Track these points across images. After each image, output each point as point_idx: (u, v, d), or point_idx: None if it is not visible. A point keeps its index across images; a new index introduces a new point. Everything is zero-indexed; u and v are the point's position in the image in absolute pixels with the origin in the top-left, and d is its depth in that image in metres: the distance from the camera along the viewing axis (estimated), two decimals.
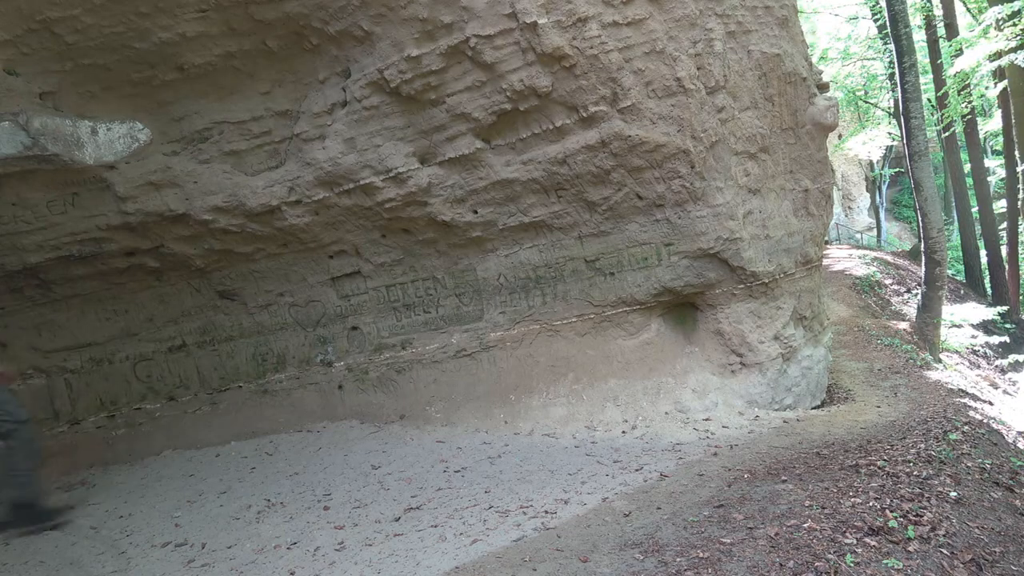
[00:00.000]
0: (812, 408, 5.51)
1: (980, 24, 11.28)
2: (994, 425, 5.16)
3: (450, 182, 4.98)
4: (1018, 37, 9.64)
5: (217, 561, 3.35)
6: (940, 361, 9.25)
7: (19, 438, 3.99)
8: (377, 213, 5.21)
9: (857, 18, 18.60)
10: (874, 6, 15.20)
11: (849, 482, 3.17)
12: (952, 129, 14.55)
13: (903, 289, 14.07)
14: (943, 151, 18.16)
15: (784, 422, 4.81)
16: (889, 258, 17.28)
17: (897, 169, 23.76)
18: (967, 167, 16.74)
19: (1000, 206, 16.61)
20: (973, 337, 11.19)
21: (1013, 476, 3.50)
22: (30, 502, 4.01)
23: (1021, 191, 12.65)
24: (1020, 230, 13.85)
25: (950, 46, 13.88)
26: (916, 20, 14.46)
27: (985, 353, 11.86)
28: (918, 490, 3.00)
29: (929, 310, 10.02)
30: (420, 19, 4.28)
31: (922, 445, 3.75)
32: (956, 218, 17.15)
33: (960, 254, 17.39)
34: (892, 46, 10.06)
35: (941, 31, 14.88)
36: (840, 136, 20.19)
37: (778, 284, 5.23)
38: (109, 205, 5.06)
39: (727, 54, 4.75)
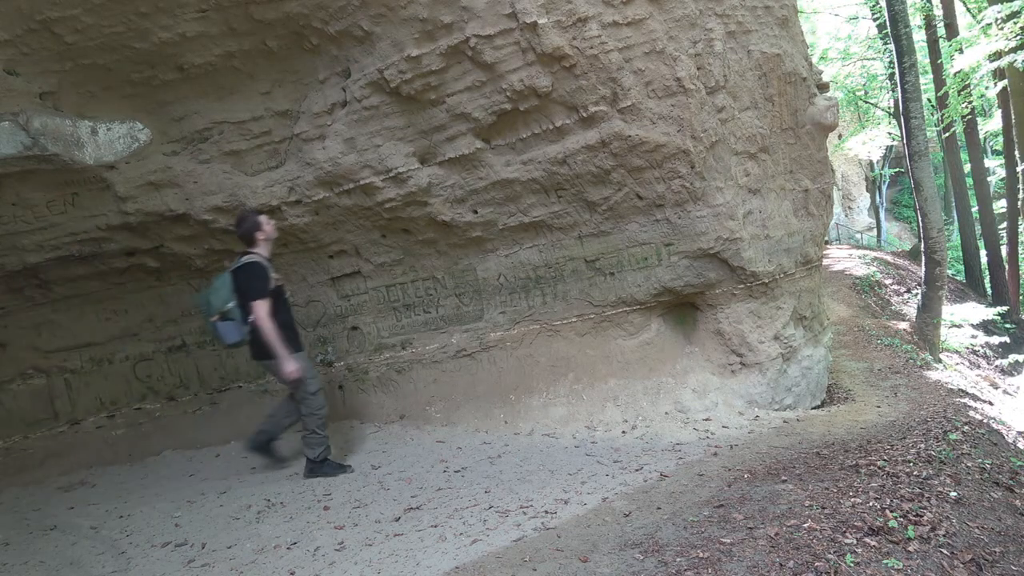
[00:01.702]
0: (812, 408, 5.51)
1: (979, 23, 11.28)
2: (994, 425, 5.17)
3: (450, 182, 4.98)
4: (1018, 37, 9.64)
5: (217, 561, 3.35)
6: (940, 361, 9.26)
7: (308, 406, 4.47)
8: (377, 213, 5.21)
9: (857, 18, 18.61)
10: (874, 6, 15.21)
11: (849, 482, 3.17)
12: (952, 129, 14.55)
13: (903, 289, 14.08)
14: (943, 151, 18.17)
15: (784, 422, 4.81)
16: (889, 258, 17.29)
17: (897, 169, 23.78)
18: (967, 167, 16.75)
19: (1000, 206, 16.63)
20: (973, 337, 11.20)
21: (1013, 476, 3.51)
22: (317, 459, 4.49)
23: (1021, 191, 12.66)
24: (1020, 230, 13.85)
25: (950, 46, 13.88)
26: (916, 20, 14.48)
27: (985, 353, 11.87)
28: (918, 490, 3.00)
29: (929, 310, 10.02)
30: (420, 19, 4.28)
31: (922, 445, 3.75)
32: (956, 218, 17.16)
33: (960, 254, 17.41)
34: (892, 46, 10.07)
35: (941, 31, 14.89)
36: (840, 136, 20.20)
37: (778, 284, 5.23)
38: (109, 205, 5.06)
39: (727, 54, 4.75)
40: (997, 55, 10.44)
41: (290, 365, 4.25)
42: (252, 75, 4.82)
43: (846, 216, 28.12)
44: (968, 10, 15.60)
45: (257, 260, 4.33)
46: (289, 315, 4.52)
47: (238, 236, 4.49)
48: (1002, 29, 9.86)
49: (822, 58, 17.77)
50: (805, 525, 2.67)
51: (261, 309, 4.21)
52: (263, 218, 4.49)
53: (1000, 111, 14.21)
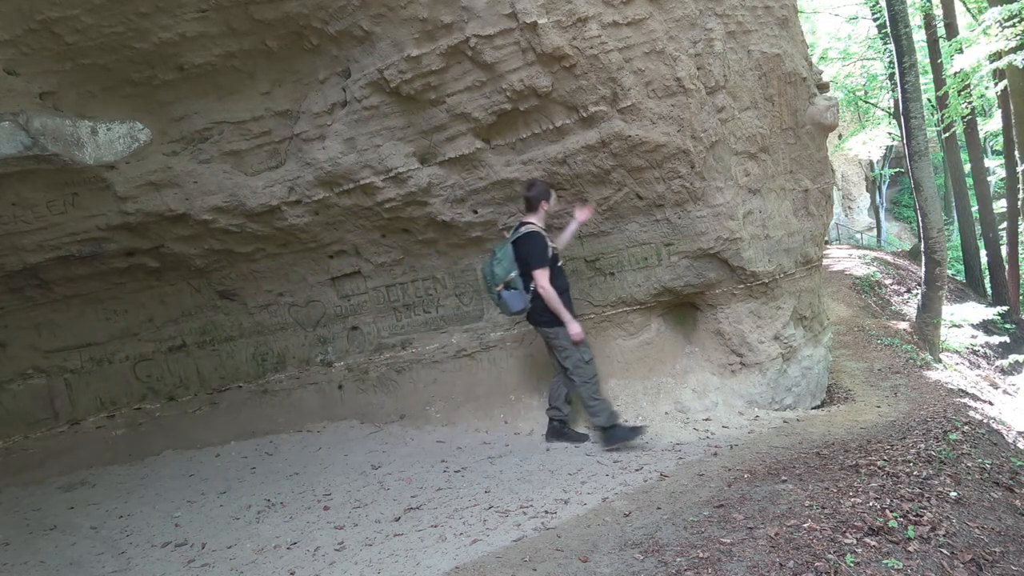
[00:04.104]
0: (812, 408, 5.51)
1: (980, 25, 11.28)
2: (994, 425, 5.17)
3: (450, 182, 4.98)
4: (1018, 37, 9.65)
5: (217, 561, 3.35)
6: (940, 361, 9.26)
7: (581, 374, 4.48)
8: (377, 213, 5.21)
9: (857, 18, 18.59)
10: (874, 6, 15.20)
11: (849, 482, 3.16)
12: (952, 129, 14.53)
13: (903, 289, 14.07)
14: (943, 151, 18.16)
15: (784, 422, 4.81)
16: (889, 258, 17.28)
17: (897, 169, 23.75)
18: (967, 167, 16.74)
19: (1000, 206, 16.63)
20: (973, 337, 11.19)
21: (1013, 476, 3.50)
22: (606, 425, 4.45)
23: (1021, 191, 12.66)
24: (1020, 230, 13.85)
25: (950, 46, 13.87)
26: (916, 20, 14.45)
27: (985, 353, 11.86)
28: (918, 490, 3.00)
29: (929, 310, 10.02)
30: (420, 19, 4.28)
31: (922, 445, 3.75)
32: (956, 218, 17.15)
33: (960, 254, 17.40)
34: (892, 46, 10.06)
35: (941, 31, 14.88)
36: (840, 136, 20.17)
37: (778, 284, 5.23)
38: (109, 205, 5.06)
39: (727, 54, 4.75)
40: (997, 55, 10.44)
41: (575, 327, 4.42)
42: (252, 75, 4.82)
43: (846, 216, 28.11)
44: (968, 10, 15.59)
45: (537, 230, 4.43)
46: (564, 282, 4.60)
47: (524, 198, 4.58)
48: (1003, 29, 9.86)
49: (822, 58, 17.75)
50: (805, 525, 2.67)
51: (543, 278, 4.34)
52: (553, 191, 4.61)
53: (1000, 111, 14.21)
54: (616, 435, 4.42)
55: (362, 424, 5.69)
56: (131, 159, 4.96)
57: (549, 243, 4.46)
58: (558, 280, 4.47)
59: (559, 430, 4.75)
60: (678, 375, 5.17)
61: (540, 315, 4.49)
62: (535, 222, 4.48)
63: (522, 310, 4.46)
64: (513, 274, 4.39)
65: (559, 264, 4.59)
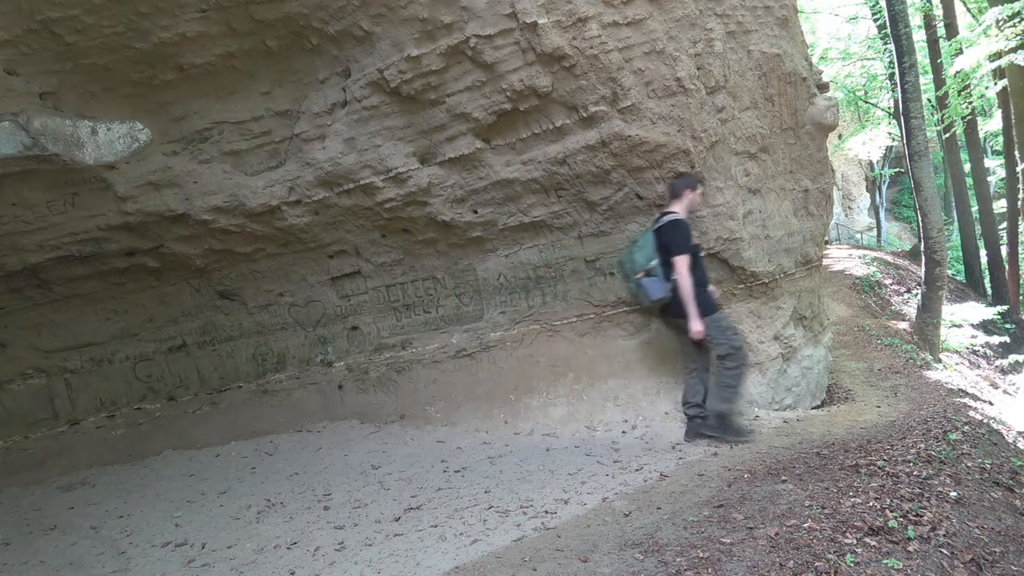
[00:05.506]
0: (812, 408, 5.51)
1: (980, 25, 11.28)
2: (994, 425, 5.16)
3: (450, 182, 4.98)
4: (1018, 37, 9.64)
5: (217, 561, 3.35)
6: (940, 361, 9.26)
7: (734, 360, 4.36)
8: (377, 213, 5.21)
9: (857, 18, 18.59)
10: (874, 6, 15.20)
11: (849, 482, 3.16)
12: (952, 129, 14.52)
13: (903, 289, 14.08)
14: (943, 151, 18.15)
15: (784, 422, 4.81)
16: (889, 258, 17.29)
17: (897, 169, 23.74)
18: (967, 167, 16.74)
19: (1000, 206, 16.63)
20: (973, 337, 11.20)
21: (1013, 476, 3.50)
22: (727, 413, 4.40)
23: (1021, 191, 12.65)
24: (1020, 230, 13.85)
25: (950, 46, 13.87)
26: (916, 20, 14.45)
27: (985, 353, 11.86)
28: (918, 490, 3.00)
29: (929, 310, 10.03)
30: (420, 19, 4.28)
31: (922, 445, 3.74)
32: (956, 218, 17.15)
33: (960, 254, 17.40)
34: (892, 46, 10.07)
35: (941, 31, 14.87)
36: (840, 136, 20.16)
37: (778, 284, 5.23)
38: (109, 205, 5.06)
39: (727, 54, 4.75)
40: (997, 55, 10.44)
41: (697, 325, 4.25)
42: (252, 75, 4.82)
43: (846, 216, 28.11)
44: (968, 10, 15.59)
45: (682, 218, 4.37)
46: (703, 275, 4.47)
47: (668, 187, 4.53)
48: (1002, 30, 9.86)
49: (822, 58, 17.74)
50: (805, 525, 2.67)
51: (682, 264, 4.25)
52: (700, 185, 4.54)
53: (1000, 111, 14.20)
54: (728, 427, 4.34)
55: (362, 424, 5.69)
56: (131, 159, 4.96)
57: (692, 233, 4.39)
58: (697, 272, 4.33)
59: (700, 427, 4.48)
60: (678, 375, 5.16)
61: (679, 306, 4.33)
62: (679, 211, 4.40)
63: (662, 298, 4.36)
64: (654, 262, 4.33)
65: (701, 255, 4.50)
